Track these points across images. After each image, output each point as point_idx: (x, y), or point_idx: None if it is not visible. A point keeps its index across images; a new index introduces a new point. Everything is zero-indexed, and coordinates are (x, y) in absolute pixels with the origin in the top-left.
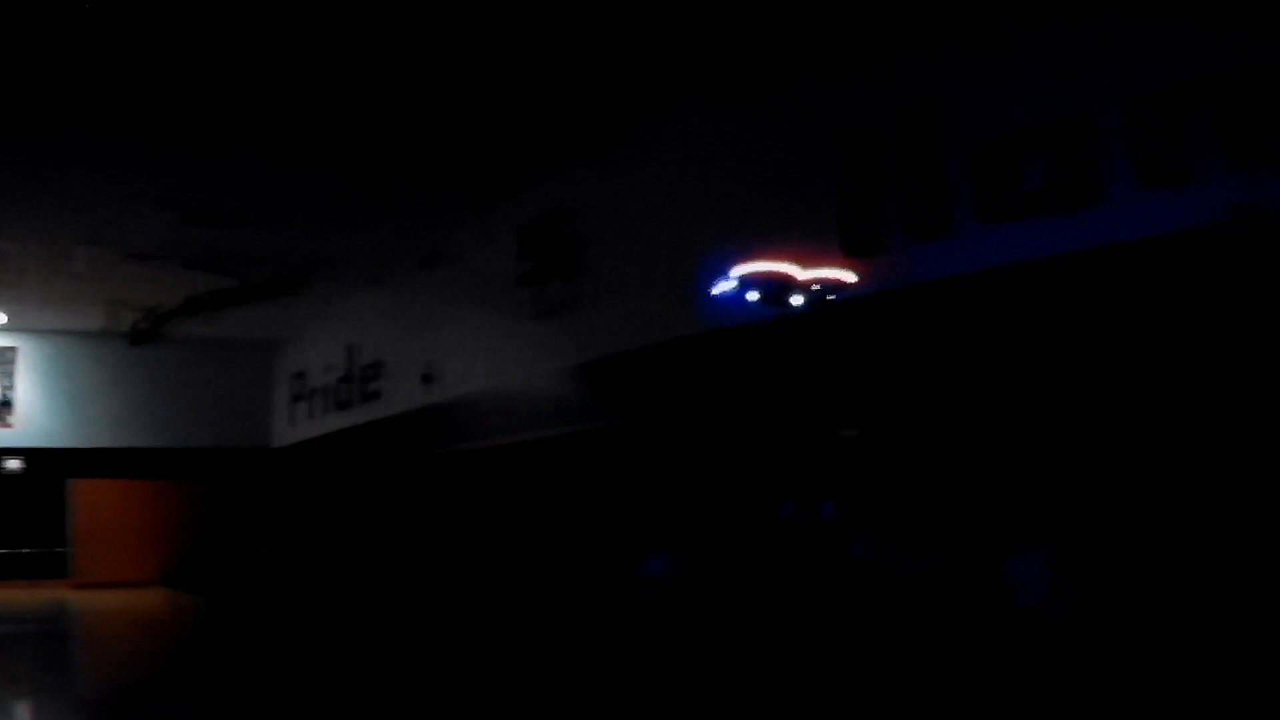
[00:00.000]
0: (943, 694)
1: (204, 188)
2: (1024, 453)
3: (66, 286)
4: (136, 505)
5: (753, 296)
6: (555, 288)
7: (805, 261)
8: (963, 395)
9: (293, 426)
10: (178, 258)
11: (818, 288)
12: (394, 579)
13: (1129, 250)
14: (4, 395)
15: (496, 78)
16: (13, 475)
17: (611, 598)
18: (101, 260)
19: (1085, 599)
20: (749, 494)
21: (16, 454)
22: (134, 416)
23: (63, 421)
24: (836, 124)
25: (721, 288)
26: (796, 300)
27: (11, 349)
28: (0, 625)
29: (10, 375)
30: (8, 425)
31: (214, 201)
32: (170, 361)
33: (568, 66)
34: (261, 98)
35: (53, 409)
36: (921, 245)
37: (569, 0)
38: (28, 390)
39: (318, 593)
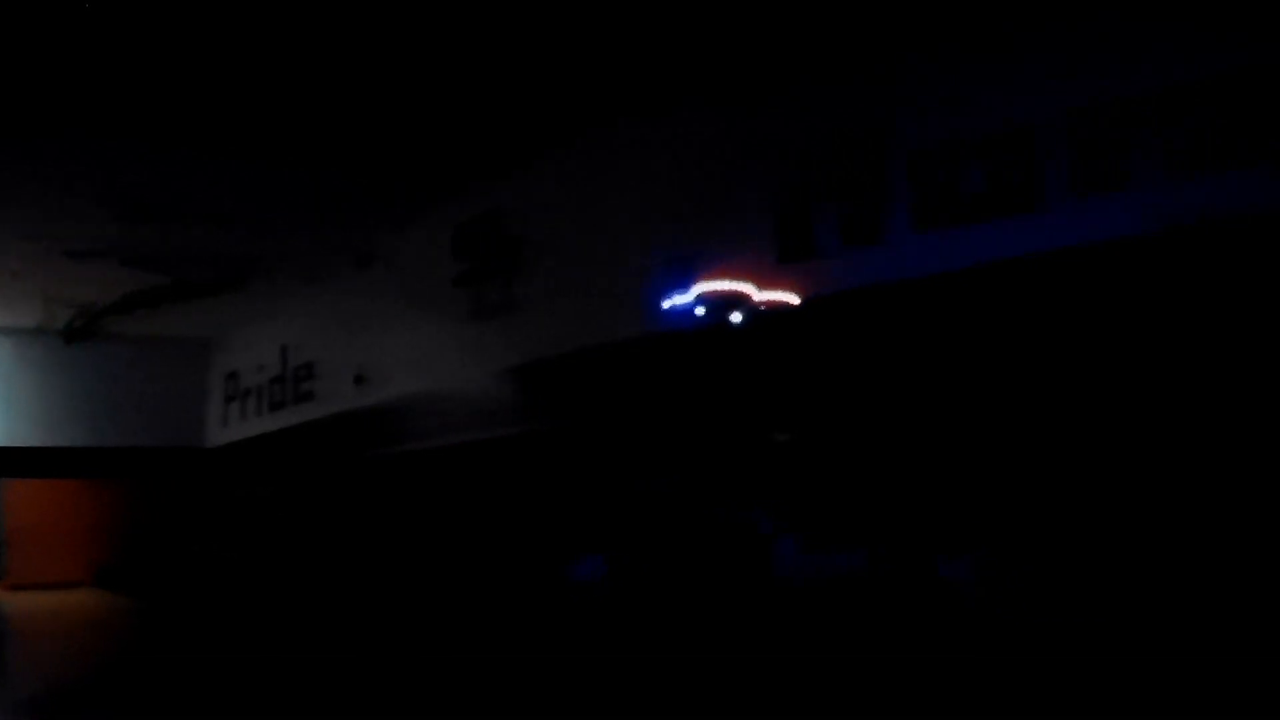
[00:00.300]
0: (867, 689)
1: (142, 185)
2: (956, 457)
3: (1, 283)
4: (70, 505)
5: (700, 311)
6: (492, 290)
7: (745, 269)
8: (893, 400)
9: (226, 427)
10: (114, 255)
11: (764, 307)
12: (325, 581)
13: (1066, 256)
14: None
15: (437, 79)
16: None
17: (543, 598)
18: (38, 256)
19: (1017, 598)
20: (681, 496)
21: None
22: (68, 415)
23: None
24: (777, 131)
25: (674, 301)
26: (736, 317)
27: None
28: None
29: None
30: None
31: (151, 199)
32: (105, 360)
33: (509, 71)
34: (200, 97)
35: None
36: (857, 251)
37: (511, 6)
38: None
39: (249, 594)
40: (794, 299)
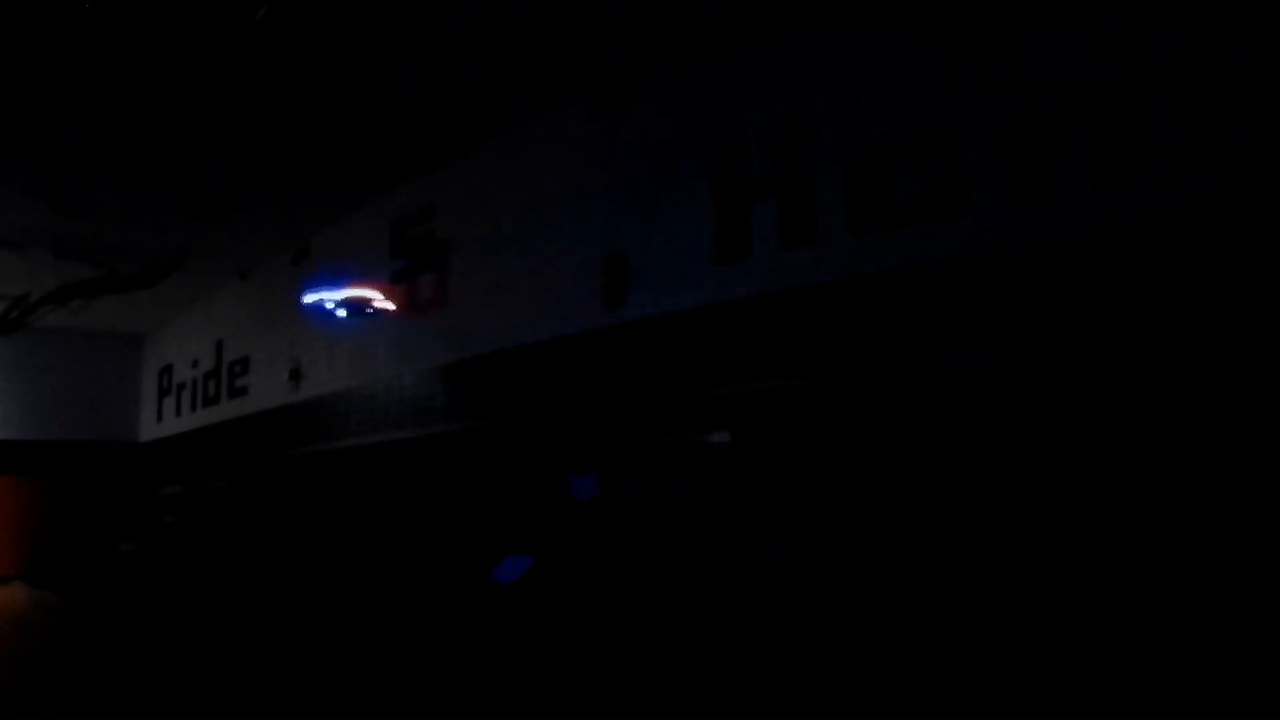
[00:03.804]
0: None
1: (74, 176)
2: (896, 457)
3: None
4: None
5: (341, 312)
6: (425, 286)
7: (681, 270)
8: (830, 401)
9: (159, 422)
10: (48, 246)
11: (371, 309)
12: (256, 579)
13: (987, 262)
14: None
15: (370, 69)
16: None
17: (473, 595)
18: None
19: (963, 599)
20: (611, 495)
21: None
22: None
23: None
24: (709, 130)
25: (318, 298)
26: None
27: None
28: None
29: None
30: None
31: (84, 190)
32: (38, 353)
33: (442, 61)
34: (129, 88)
35: None
36: (790, 254)
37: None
38: None
39: (175, 590)
40: (389, 303)
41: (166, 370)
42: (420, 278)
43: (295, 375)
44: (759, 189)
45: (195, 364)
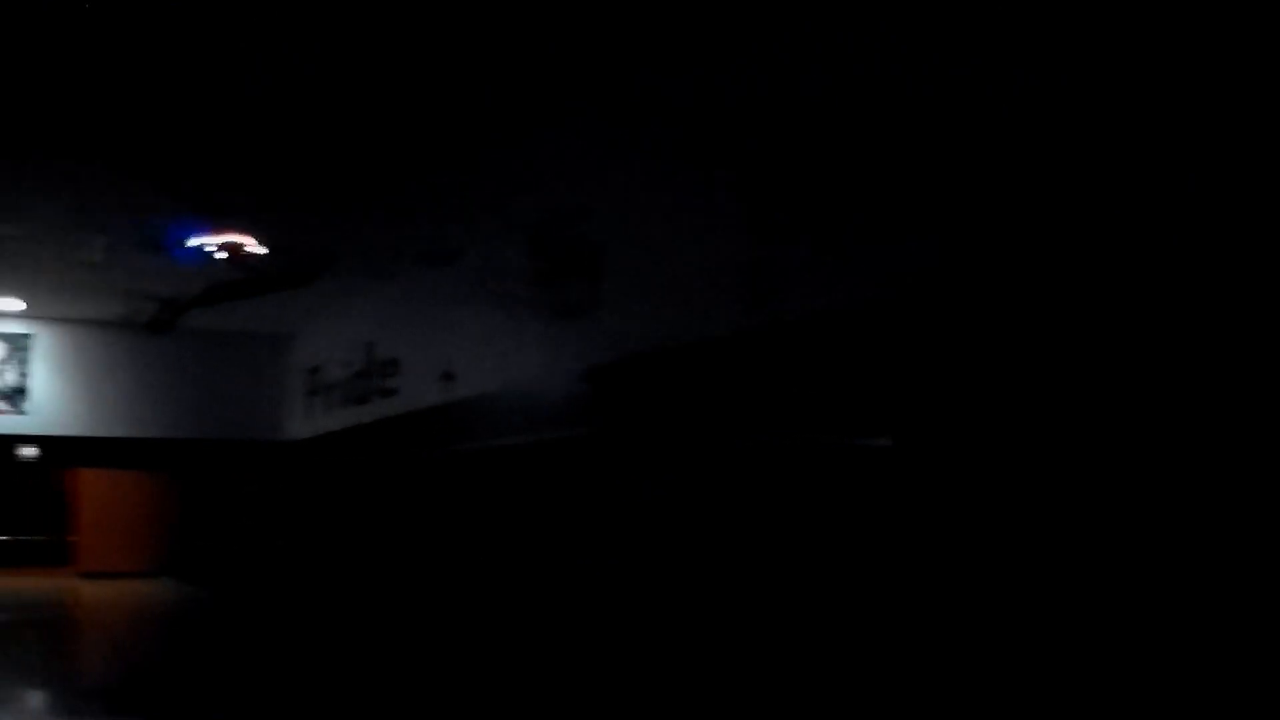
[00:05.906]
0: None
1: (218, 182)
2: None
3: (84, 275)
4: (141, 495)
5: (219, 255)
6: (574, 286)
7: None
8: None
9: (306, 421)
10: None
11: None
12: (396, 576)
13: None
14: (19, 382)
15: (512, 66)
16: (26, 463)
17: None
18: (118, 249)
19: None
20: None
21: (31, 441)
22: (148, 407)
23: (77, 410)
24: None
25: (196, 242)
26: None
27: (27, 336)
28: (3, 613)
29: (26, 362)
30: (22, 412)
31: (229, 194)
32: (186, 353)
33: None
34: (274, 99)
35: (67, 397)
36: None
37: None
38: (43, 378)
39: (317, 588)
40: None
41: (315, 370)
42: (570, 278)
43: (448, 376)
44: None
45: (345, 364)
